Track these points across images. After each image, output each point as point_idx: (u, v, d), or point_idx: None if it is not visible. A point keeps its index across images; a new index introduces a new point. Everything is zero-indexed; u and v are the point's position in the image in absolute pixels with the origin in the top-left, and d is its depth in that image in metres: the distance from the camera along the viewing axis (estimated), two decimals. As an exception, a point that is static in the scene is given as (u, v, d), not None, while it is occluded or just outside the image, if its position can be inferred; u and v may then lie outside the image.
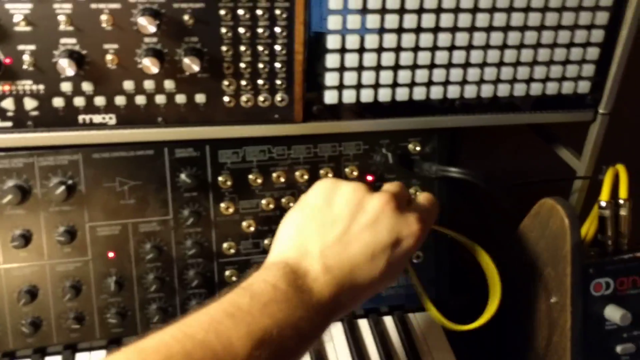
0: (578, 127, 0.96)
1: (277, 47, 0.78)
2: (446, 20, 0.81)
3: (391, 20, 0.80)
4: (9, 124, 0.76)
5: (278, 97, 0.82)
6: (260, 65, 0.79)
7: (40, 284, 0.83)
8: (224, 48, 0.77)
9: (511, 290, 0.93)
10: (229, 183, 0.86)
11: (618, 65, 0.90)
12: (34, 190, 0.80)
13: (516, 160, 1.29)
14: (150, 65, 0.73)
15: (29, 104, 0.75)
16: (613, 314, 0.83)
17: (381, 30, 0.80)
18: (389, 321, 0.97)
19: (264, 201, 0.88)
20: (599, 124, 0.94)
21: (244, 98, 0.81)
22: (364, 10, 0.78)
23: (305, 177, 0.89)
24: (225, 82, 0.79)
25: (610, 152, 0.96)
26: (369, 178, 0.92)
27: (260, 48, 0.78)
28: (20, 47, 0.72)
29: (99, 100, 0.77)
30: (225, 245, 0.88)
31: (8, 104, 0.75)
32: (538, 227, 0.88)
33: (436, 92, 0.86)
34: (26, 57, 0.72)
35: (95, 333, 0.86)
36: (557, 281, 0.85)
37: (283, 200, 0.89)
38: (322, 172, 0.90)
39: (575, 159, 1.00)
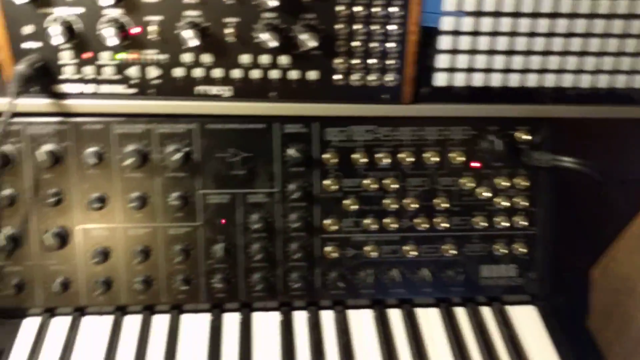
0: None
1: (391, 27, 0.79)
2: (566, 5, 0.79)
3: (509, 3, 0.78)
4: (133, 90, 0.81)
5: (388, 78, 0.82)
6: (373, 45, 0.80)
7: (152, 245, 0.88)
8: (338, 26, 0.78)
9: (622, 289, 0.89)
10: (334, 161, 0.88)
11: None
12: (151, 156, 0.85)
13: (622, 157, 1.23)
14: (269, 39, 0.76)
15: (152, 72, 0.80)
16: None
17: (497, 14, 0.79)
18: (486, 312, 0.95)
19: (366, 181, 0.89)
20: None
21: (354, 77, 0.82)
22: (482, -8, 0.77)
23: (410, 159, 0.89)
24: (337, 60, 0.80)
25: None
26: (475, 164, 0.90)
27: (374, 27, 0.79)
28: (148, 18, 0.77)
29: (217, 73, 0.80)
30: (327, 221, 0.90)
31: (133, 72, 0.80)
32: (654, 225, 0.84)
33: (550, 80, 0.84)
34: (153, 28, 0.77)
35: (201, 296, 0.90)
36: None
37: (386, 181, 0.90)
38: (426, 155, 0.89)
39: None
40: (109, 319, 0.90)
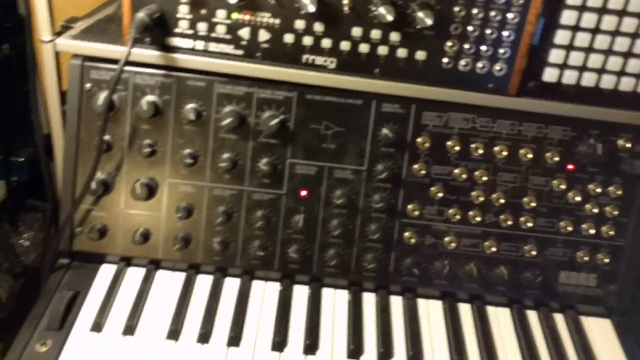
0: None
1: (510, 15, 0.77)
2: (697, 10, 0.75)
3: (635, 4, 0.75)
4: (240, 52, 0.81)
5: (497, 67, 0.80)
6: (488, 31, 0.78)
7: (235, 208, 0.88)
8: (456, 8, 0.77)
9: None
10: (426, 145, 0.87)
11: None
12: (248, 119, 0.85)
13: None
14: (385, 13, 0.75)
15: (263, 35, 0.80)
16: None
17: (622, 13, 0.76)
18: (559, 319, 0.93)
19: (457, 170, 0.88)
20: None
21: (463, 62, 0.80)
22: (610, -12, 0.75)
23: (504, 153, 0.87)
24: (449, 43, 0.79)
25: None
26: (570, 167, 0.88)
27: (492, 13, 0.77)
28: (268, -20, 0.76)
29: (326, 43, 0.80)
30: (410, 206, 0.89)
31: (244, 33, 0.80)
32: None
33: (665, 88, 0.81)
34: (271, -10, 0.77)
35: (274, 264, 0.90)
36: None
37: (476, 173, 0.88)
38: (522, 151, 0.87)
39: None
40: (182, 276, 0.91)
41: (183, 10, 0.78)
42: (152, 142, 0.86)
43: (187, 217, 0.88)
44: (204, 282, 0.91)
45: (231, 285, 0.91)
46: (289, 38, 0.80)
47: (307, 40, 0.80)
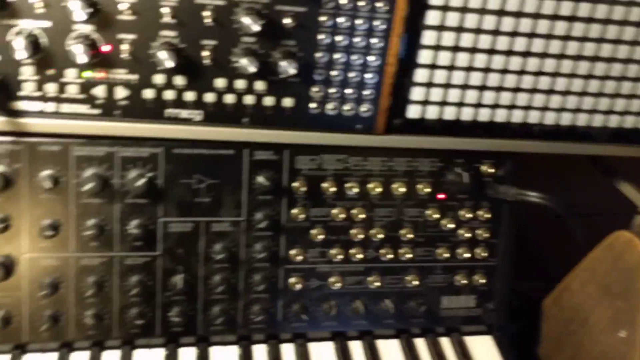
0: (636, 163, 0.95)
1: (371, 58, 0.78)
2: (538, 45, 0.81)
3: (484, 41, 0.80)
4: (97, 111, 0.76)
5: (363, 108, 0.81)
6: (352, 75, 0.79)
7: (107, 277, 0.82)
8: (319, 54, 0.77)
9: (575, 319, 0.92)
10: (303, 189, 0.86)
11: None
12: (112, 181, 0.79)
13: (567, 191, 1.28)
14: (247, 65, 0.73)
15: (120, 93, 0.75)
16: (685, 353, 0.81)
17: (473, 50, 0.80)
18: (445, 342, 0.96)
19: (335, 210, 0.88)
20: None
21: (330, 106, 0.80)
22: (460, 29, 0.78)
23: (378, 189, 0.88)
24: (315, 89, 0.79)
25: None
26: (440, 196, 0.91)
27: (354, 57, 0.78)
28: (121, 36, 0.72)
29: (189, 96, 0.77)
30: (293, 251, 0.87)
31: (100, 91, 0.75)
32: (610, 259, 0.87)
33: (517, 116, 0.86)
34: (125, 46, 0.72)
35: (156, 330, 0.85)
36: (628, 315, 0.84)
37: (353, 211, 0.88)
38: (394, 185, 0.89)
39: (636, 194, 0.99)
40: (54, 357, 0.83)
41: (27, 72, 0.72)
42: (4, 217, 0.77)
43: (53, 293, 0.80)
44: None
45: (110, 359, 0.84)
46: (149, 93, 0.75)
47: (169, 95, 0.76)
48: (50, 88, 0.73)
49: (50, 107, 0.74)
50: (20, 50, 0.68)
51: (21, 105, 0.73)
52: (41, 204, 0.78)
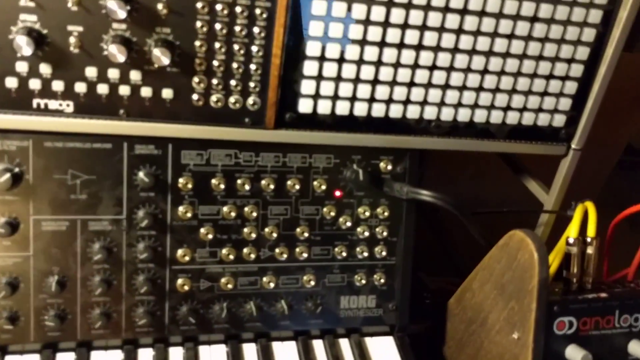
0: (547, 160, 0.95)
1: (254, 48, 0.75)
2: (430, 38, 0.79)
3: (374, 33, 0.77)
4: (-46, 101, 0.70)
5: (250, 101, 0.78)
6: (235, 65, 0.75)
7: (-27, 278, 0.76)
8: (197, 43, 0.73)
9: (476, 319, 0.91)
10: (189, 186, 0.82)
11: (594, 101, 0.89)
12: (-25, 176, 0.74)
13: (480, 187, 1.28)
14: (116, 52, 0.68)
15: (-21, 81, 0.69)
16: (574, 354, 0.81)
17: (363, 42, 0.77)
18: (344, 344, 0.93)
19: (225, 208, 0.84)
20: (570, 159, 0.93)
21: (214, 98, 0.76)
22: (347, 19, 0.75)
23: (272, 186, 0.85)
24: (196, 79, 0.75)
25: (574, 188, 0.95)
26: (337, 193, 0.88)
27: (236, 47, 0.74)
28: (-25, 19, 0.66)
29: (57, 85, 0.71)
30: (180, 251, 0.83)
31: (-45, 79, 0.69)
32: (506, 259, 0.86)
33: (413, 112, 0.84)
34: (-21, 31, 0.67)
35: (30, 335, 0.80)
36: (521, 316, 0.82)
37: (246, 209, 0.85)
38: (289, 182, 0.86)
39: (544, 192, 0.99)
40: None
41: None
42: None
43: None
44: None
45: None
46: (11, 82, 0.70)
47: (35, 84, 0.71)
48: None
49: None
50: None
51: None
52: None
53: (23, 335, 0.79)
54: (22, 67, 0.69)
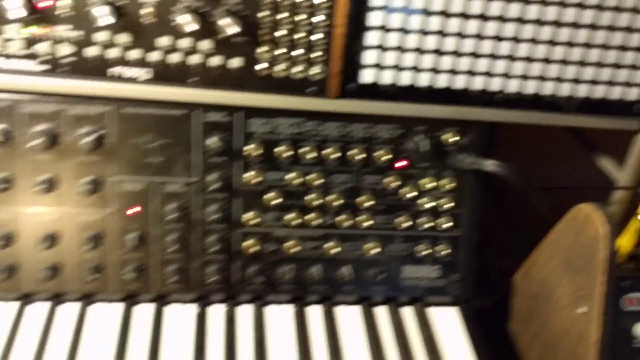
0: (619, 136, 0.91)
1: (318, 18, 0.76)
2: (495, 8, 0.78)
3: (438, 2, 0.77)
4: (44, 67, 0.77)
5: (314, 70, 0.80)
6: (299, 36, 0.77)
7: (60, 232, 0.84)
8: (262, 13, 0.75)
9: (541, 294, 0.89)
10: (257, 153, 0.85)
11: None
12: (62, 138, 0.81)
13: (551, 163, 1.24)
14: (185, 22, 0.72)
15: (64, 49, 0.76)
16: (642, 331, 0.78)
17: (426, 12, 0.77)
18: (407, 312, 0.95)
19: (290, 175, 0.87)
20: (645, 134, 0.89)
21: (278, 67, 0.79)
22: (411, -12, 0.75)
23: (335, 155, 0.87)
24: (261, 49, 0.78)
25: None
26: (401, 164, 0.89)
27: (299, 17, 0.76)
28: (62, -8, 0.72)
29: (134, 54, 0.77)
30: (247, 214, 0.88)
31: (43, 47, 0.75)
32: (573, 233, 0.84)
33: (478, 83, 0.83)
34: (64, 2, 0.73)
35: (112, 286, 0.87)
36: (587, 290, 0.81)
37: (310, 176, 0.87)
38: (353, 152, 0.88)
39: (615, 169, 0.95)
40: (12, 307, 0.86)
41: (-28, 28, 0.73)
42: (-42, 170, 0.80)
43: (7, 246, 0.83)
44: (36, 312, 0.86)
45: (68, 312, 0.87)
46: (92, 51, 0.76)
47: (113, 53, 0.76)
48: (-5, 44, 0.75)
49: (-4, 63, 0.76)
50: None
51: (-33, 61, 0.75)
52: (-6, 158, 0.80)
53: (106, 285, 0.87)
54: (101, 37, 0.75)
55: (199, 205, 0.86)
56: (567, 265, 0.86)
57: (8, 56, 0.75)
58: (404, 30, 0.78)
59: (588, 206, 0.81)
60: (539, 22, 0.79)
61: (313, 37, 0.78)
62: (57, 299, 0.87)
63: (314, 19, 0.76)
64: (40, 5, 0.72)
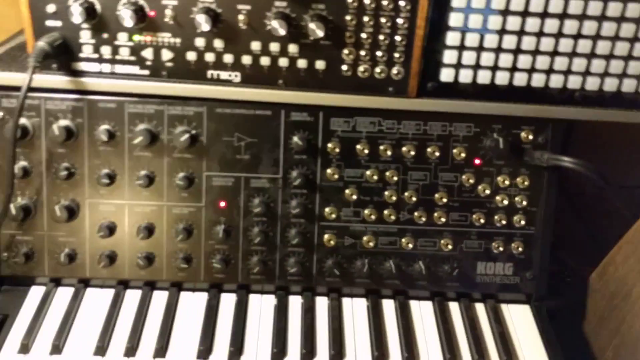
0: None
1: (400, 21, 0.80)
2: (574, 6, 0.79)
3: (517, 3, 0.79)
4: (146, 72, 0.84)
5: (394, 70, 0.84)
6: (381, 37, 0.81)
7: (157, 223, 0.91)
8: (348, 17, 0.80)
9: (618, 293, 0.90)
10: (337, 150, 0.90)
11: None
12: (161, 136, 0.88)
13: (629, 162, 1.22)
14: (278, 27, 0.78)
15: (166, 55, 0.82)
16: None
17: (505, 12, 0.80)
18: (480, 308, 0.96)
19: (368, 172, 0.91)
20: None
21: (361, 68, 0.83)
22: (490, -10, 0.78)
23: (412, 153, 0.90)
24: (346, 51, 0.82)
25: None
26: (477, 162, 0.91)
27: (383, 20, 0.80)
28: (164, 2, 0.79)
29: (228, 58, 0.83)
30: (327, 209, 0.92)
31: (148, 53, 0.82)
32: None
33: (556, 81, 0.85)
34: (168, 11, 0.79)
35: (200, 275, 0.93)
36: (665, 288, 0.81)
37: (387, 173, 0.91)
38: (429, 150, 0.91)
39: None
40: (111, 292, 0.93)
41: (85, 36, 0.81)
42: (69, 165, 0.88)
43: (110, 235, 0.90)
44: (132, 297, 0.93)
45: (160, 298, 0.93)
46: (191, 56, 0.82)
47: (210, 57, 0.82)
48: (106, 50, 0.82)
49: (106, 68, 0.83)
50: (77, 15, 0.77)
51: (81, 66, 0.83)
52: (99, 155, 0.88)
53: (195, 274, 0.93)
54: (200, 42, 0.81)
55: (283, 200, 0.91)
56: (648, 264, 0.86)
57: (118, 62, 0.82)
58: (483, 30, 0.81)
59: (668, 203, 0.82)
60: (618, 19, 0.80)
61: (395, 38, 0.81)
62: (152, 285, 0.94)
63: (397, 21, 0.80)
64: (149, 14, 0.78)
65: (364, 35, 0.81)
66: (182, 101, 0.87)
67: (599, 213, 1.16)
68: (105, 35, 0.81)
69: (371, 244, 0.93)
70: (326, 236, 0.93)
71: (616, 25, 0.81)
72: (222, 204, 0.91)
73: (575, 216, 1.11)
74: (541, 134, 0.91)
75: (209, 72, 0.84)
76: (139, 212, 0.90)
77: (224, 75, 0.84)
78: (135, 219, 0.90)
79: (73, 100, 0.86)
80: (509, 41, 0.82)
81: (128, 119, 0.87)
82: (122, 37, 0.81)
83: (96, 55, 0.82)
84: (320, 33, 0.78)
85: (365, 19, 0.80)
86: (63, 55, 0.81)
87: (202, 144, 0.89)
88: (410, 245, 0.94)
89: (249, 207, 0.91)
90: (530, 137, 0.91)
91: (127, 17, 0.77)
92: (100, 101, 0.86)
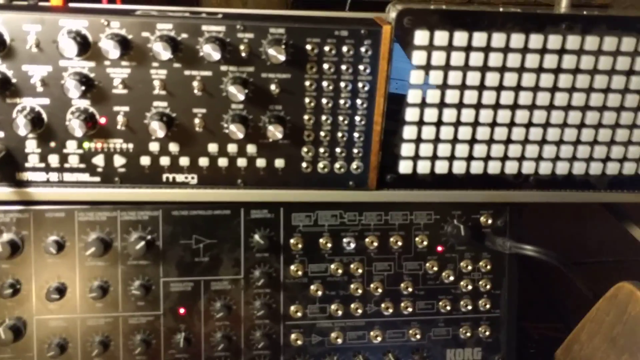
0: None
1: (357, 118, 0.81)
2: (524, 98, 0.82)
3: (470, 96, 0.81)
4: (97, 179, 0.80)
5: (354, 165, 0.83)
6: (339, 134, 0.81)
7: (112, 336, 0.85)
8: (306, 117, 0.79)
9: (583, 374, 0.90)
10: (300, 246, 0.88)
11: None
12: (114, 244, 0.83)
13: (581, 234, 1.26)
14: (236, 130, 0.76)
15: (118, 161, 0.79)
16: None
17: (459, 105, 0.82)
18: (452, 397, 0.95)
19: (332, 266, 0.89)
20: (678, 206, 0.92)
21: (321, 164, 0.83)
22: (444, 86, 0.80)
23: (375, 244, 0.89)
24: (305, 149, 0.81)
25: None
26: (439, 249, 0.91)
27: (340, 118, 0.80)
28: (116, 108, 0.76)
29: (184, 161, 0.80)
30: (292, 308, 0.89)
31: (99, 160, 0.79)
32: (615, 311, 0.85)
33: (511, 167, 0.87)
34: (120, 118, 0.77)
35: (161, 387, 0.87)
36: (634, 369, 0.81)
37: (352, 266, 0.89)
38: (392, 239, 0.90)
39: (651, 241, 0.98)
40: (63, 415, 0.86)
41: (31, 146, 0.77)
42: (13, 281, 0.82)
43: (61, 354, 0.83)
44: (86, 418, 0.86)
45: (117, 417, 0.86)
46: (145, 160, 0.79)
47: (165, 161, 0.80)
48: (54, 159, 0.78)
49: (53, 176, 0.79)
50: (23, 126, 0.73)
51: (27, 176, 0.78)
52: (48, 268, 0.82)
53: (155, 387, 0.87)
54: (154, 147, 0.79)
55: (245, 301, 0.88)
56: (612, 344, 0.87)
57: (67, 170, 0.78)
58: (439, 123, 0.82)
59: (630, 284, 0.83)
60: (566, 108, 0.83)
61: (353, 135, 0.81)
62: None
63: (354, 118, 0.80)
64: (99, 122, 0.76)
65: (322, 134, 0.81)
66: (136, 206, 0.83)
67: (556, 281, 1.18)
68: (52, 144, 0.77)
69: (339, 340, 0.90)
70: (292, 336, 0.89)
71: (564, 114, 0.84)
72: (182, 310, 0.86)
73: (532, 281, 1.12)
74: (499, 217, 0.92)
75: (164, 176, 0.81)
76: (92, 326, 0.84)
77: (180, 178, 0.81)
78: (89, 333, 0.84)
79: (17, 212, 0.81)
80: (464, 132, 0.83)
81: (78, 228, 0.82)
82: (71, 146, 0.77)
83: (43, 165, 0.78)
84: (279, 135, 0.77)
85: (323, 117, 0.80)
86: (7, 166, 0.77)
87: (158, 248, 0.85)
88: (379, 338, 0.91)
89: (210, 311, 0.87)
90: (490, 221, 0.91)
91: (76, 127, 0.74)
92: (48, 211, 0.81)
